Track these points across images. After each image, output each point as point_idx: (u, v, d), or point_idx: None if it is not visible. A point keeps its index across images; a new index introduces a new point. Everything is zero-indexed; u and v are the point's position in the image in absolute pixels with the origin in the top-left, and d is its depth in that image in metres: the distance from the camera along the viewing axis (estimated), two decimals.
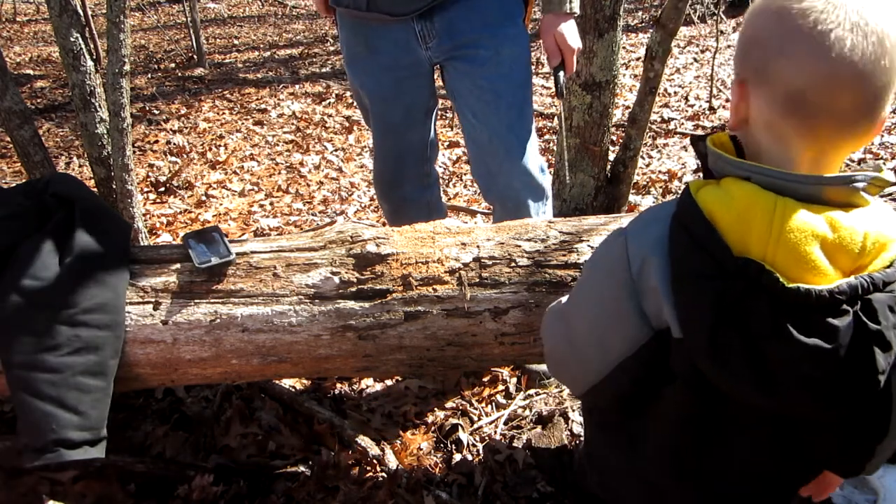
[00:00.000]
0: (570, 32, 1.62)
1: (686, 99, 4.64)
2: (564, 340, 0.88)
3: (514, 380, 1.91)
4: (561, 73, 1.65)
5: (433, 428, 1.75)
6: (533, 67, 1.69)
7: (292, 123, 4.54)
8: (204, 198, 3.32)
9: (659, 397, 0.78)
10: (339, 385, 1.92)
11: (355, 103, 1.88)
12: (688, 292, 0.68)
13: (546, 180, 1.81)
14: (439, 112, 1.94)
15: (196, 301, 1.30)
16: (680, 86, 4.98)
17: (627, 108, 4.23)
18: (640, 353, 0.75)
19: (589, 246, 1.34)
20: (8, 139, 2.33)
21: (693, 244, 0.68)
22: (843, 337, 0.62)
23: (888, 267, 0.64)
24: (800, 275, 0.63)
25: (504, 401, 1.85)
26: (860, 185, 0.65)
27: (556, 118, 3.88)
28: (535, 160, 1.74)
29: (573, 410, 1.76)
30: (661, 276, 0.70)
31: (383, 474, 1.57)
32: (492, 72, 1.62)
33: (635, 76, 5.19)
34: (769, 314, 0.63)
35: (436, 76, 1.79)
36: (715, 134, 0.75)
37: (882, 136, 3.63)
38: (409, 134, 1.81)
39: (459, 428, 1.73)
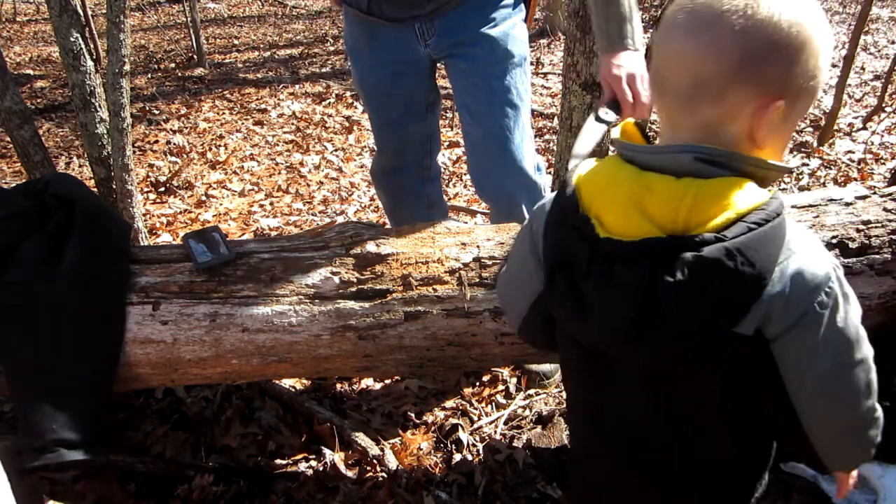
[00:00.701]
0: (627, 65, 1.36)
1: None
2: (503, 290, 1.03)
3: (514, 380, 1.91)
4: (603, 111, 1.35)
5: (433, 428, 1.75)
6: (532, 68, 1.69)
7: (292, 123, 4.54)
8: (204, 198, 3.32)
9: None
10: (339, 385, 1.92)
11: (358, 95, 1.90)
12: (546, 242, 0.81)
13: (542, 179, 1.82)
14: (440, 112, 1.95)
15: (196, 301, 1.30)
16: None
17: None
18: (541, 296, 0.85)
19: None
20: (8, 139, 2.33)
21: (558, 205, 0.80)
22: (637, 284, 0.68)
23: (718, 230, 0.67)
24: (620, 228, 0.71)
25: (504, 401, 1.85)
26: (683, 157, 0.70)
27: (556, 118, 3.88)
28: (530, 159, 1.75)
29: None
30: (541, 233, 0.83)
31: (383, 474, 1.57)
32: (488, 71, 1.63)
33: None
34: (586, 259, 0.72)
35: (440, 72, 1.80)
36: (625, 122, 0.82)
37: (882, 136, 3.63)
38: (409, 127, 1.83)
39: (459, 428, 1.73)
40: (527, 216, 1.77)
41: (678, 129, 0.73)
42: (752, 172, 0.70)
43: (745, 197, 0.68)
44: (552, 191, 0.89)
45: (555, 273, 0.76)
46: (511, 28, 1.63)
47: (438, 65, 1.79)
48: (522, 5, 1.68)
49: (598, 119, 1.36)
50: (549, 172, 2.61)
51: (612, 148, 0.82)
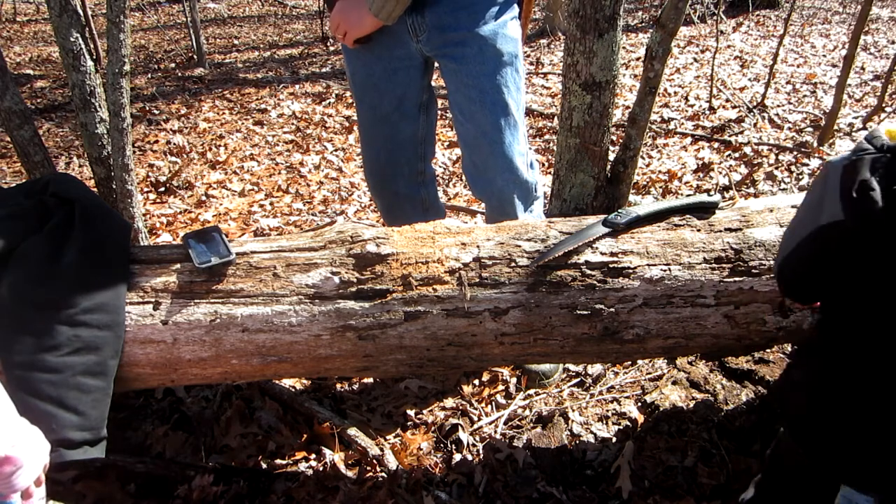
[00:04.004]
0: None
1: (686, 99, 4.64)
2: (788, 228, 1.11)
3: (514, 380, 1.91)
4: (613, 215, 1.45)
5: (433, 428, 1.75)
6: (532, 67, 1.70)
7: (292, 123, 4.54)
8: (204, 198, 3.32)
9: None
10: (339, 385, 1.92)
11: (350, 92, 1.90)
12: (847, 175, 0.92)
13: (535, 177, 1.84)
14: (439, 112, 1.95)
15: (196, 301, 1.30)
16: (680, 86, 4.98)
17: (627, 108, 4.23)
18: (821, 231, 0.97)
19: (588, 245, 1.34)
20: (8, 139, 2.33)
21: (861, 150, 0.93)
22: None
23: None
24: None
25: (504, 401, 1.85)
26: None
27: (556, 118, 3.88)
28: (522, 157, 1.76)
29: (573, 410, 1.76)
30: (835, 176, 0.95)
31: (383, 474, 1.57)
32: (477, 70, 1.64)
33: (635, 76, 5.19)
34: None
35: (436, 76, 1.80)
36: None
37: None
38: (400, 125, 1.83)
39: (459, 428, 1.73)
40: (519, 213, 1.80)
41: None
42: None
43: None
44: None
45: (864, 188, 0.88)
46: (501, 27, 1.63)
47: (434, 66, 1.79)
48: (515, 4, 1.68)
49: (606, 223, 1.39)
50: (549, 173, 2.60)
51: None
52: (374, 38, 1.66)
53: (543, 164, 3.53)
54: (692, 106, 4.48)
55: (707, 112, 4.30)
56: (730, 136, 3.83)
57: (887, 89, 3.81)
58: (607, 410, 1.76)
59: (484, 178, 1.78)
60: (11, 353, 1.20)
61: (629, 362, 1.92)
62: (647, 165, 3.52)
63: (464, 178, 3.47)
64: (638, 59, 5.81)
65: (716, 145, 3.73)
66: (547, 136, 4.03)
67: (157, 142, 4.14)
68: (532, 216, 1.85)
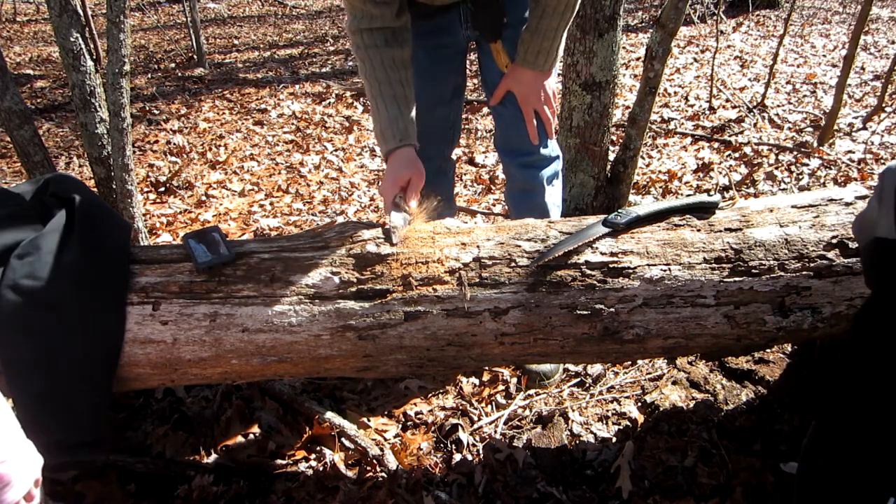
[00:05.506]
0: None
1: (686, 99, 4.64)
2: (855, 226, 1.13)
3: (514, 380, 1.91)
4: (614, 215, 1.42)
5: (433, 428, 1.75)
6: None
7: (292, 123, 4.54)
8: (204, 198, 3.32)
9: None
10: (339, 385, 1.93)
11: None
12: None
13: (560, 160, 1.88)
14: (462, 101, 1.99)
15: (196, 301, 1.30)
16: (680, 86, 4.98)
17: (627, 108, 4.23)
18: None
19: (588, 245, 1.34)
20: (8, 139, 2.33)
21: None
22: None
23: None
24: None
25: (504, 401, 1.85)
26: None
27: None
28: (553, 140, 1.82)
29: (573, 410, 1.76)
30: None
31: (383, 474, 1.57)
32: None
33: (635, 76, 5.19)
34: None
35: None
36: None
37: (882, 136, 3.63)
38: (436, 111, 1.88)
39: (459, 428, 1.73)
40: (545, 186, 1.83)
41: None
42: None
43: None
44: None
45: None
46: None
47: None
48: None
49: (606, 223, 1.38)
50: None
51: None
52: (424, 30, 1.71)
53: None
54: (692, 106, 4.48)
55: (707, 112, 4.30)
56: (730, 136, 3.83)
57: (887, 89, 3.81)
58: (607, 410, 1.76)
59: (517, 149, 1.82)
60: (11, 353, 1.20)
61: (629, 362, 1.92)
62: (647, 165, 3.52)
63: (464, 178, 3.47)
64: (638, 59, 5.81)
65: (716, 145, 3.73)
66: None
67: (157, 142, 4.15)
68: (555, 190, 1.90)
